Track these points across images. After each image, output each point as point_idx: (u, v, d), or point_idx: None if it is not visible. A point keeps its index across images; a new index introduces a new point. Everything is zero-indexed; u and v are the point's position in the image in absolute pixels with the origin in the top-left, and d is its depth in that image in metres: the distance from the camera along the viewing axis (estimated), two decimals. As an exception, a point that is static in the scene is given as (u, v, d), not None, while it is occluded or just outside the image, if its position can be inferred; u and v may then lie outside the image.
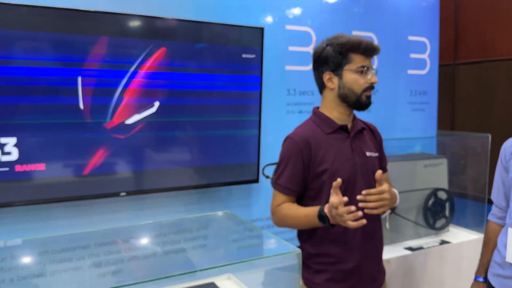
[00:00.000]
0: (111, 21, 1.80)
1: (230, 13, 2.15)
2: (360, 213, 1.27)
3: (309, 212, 1.43)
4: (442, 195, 2.45)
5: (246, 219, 1.87)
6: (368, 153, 1.57)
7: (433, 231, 2.45)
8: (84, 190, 1.81)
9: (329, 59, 1.49)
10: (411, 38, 2.79)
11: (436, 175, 2.47)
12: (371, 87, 1.51)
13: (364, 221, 1.27)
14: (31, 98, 1.68)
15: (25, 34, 1.64)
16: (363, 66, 1.48)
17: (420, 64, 2.84)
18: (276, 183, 1.51)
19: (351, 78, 1.49)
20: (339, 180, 1.29)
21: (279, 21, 2.32)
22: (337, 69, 1.49)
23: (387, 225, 2.25)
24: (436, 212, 2.43)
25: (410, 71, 2.80)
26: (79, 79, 1.76)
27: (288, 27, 2.35)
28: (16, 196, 1.68)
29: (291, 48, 2.35)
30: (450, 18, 7.71)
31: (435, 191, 2.42)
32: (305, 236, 1.55)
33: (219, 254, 1.66)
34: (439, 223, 2.44)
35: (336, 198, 1.28)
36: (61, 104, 1.73)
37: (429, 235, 2.44)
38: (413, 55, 2.81)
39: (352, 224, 1.27)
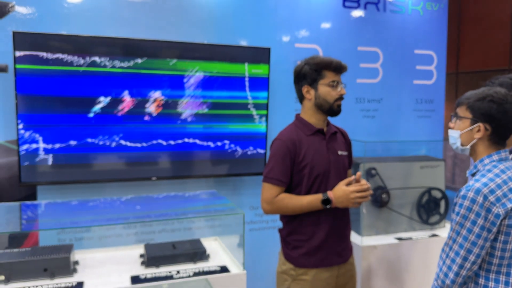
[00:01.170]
0: (152, 44, 2.31)
1: (247, 34, 2.59)
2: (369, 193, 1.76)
3: (312, 199, 1.79)
4: (437, 193, 2.71)
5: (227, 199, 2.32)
6: (339, 152, 1.94)
7: (428, 226, 2.72)
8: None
9: (307, 75, 1.88)
10: (417, 51, 3.06)
11: (433, 175, 2.74)
12: (340, 98, 1.87)
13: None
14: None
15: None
16: (334, 81, 1.85)
17: (427, 75, 3.11)
18: (269, 177, 1.86)
19: (325, 90, 1.86)
20: (359, 173, 1.75)
21: (290, 40, 2.73)
22: (313, 83, 1.87)
23: (364, 210, 2.58)
24: (429, 209, 2.70)
25: (416, 81, 3.07)
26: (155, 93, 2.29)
27: (298, 44, 2.75)
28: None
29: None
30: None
31: (429, 190, 2.69)
32: (286, 219, 1.94)
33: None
34: (433, 219, 2.71)
35: (353, 191, 1.73)
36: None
37: (423, 229, 2.71)
38: (419, 67, 3.08)
39: (356, 205, 1.77)
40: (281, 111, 2.70)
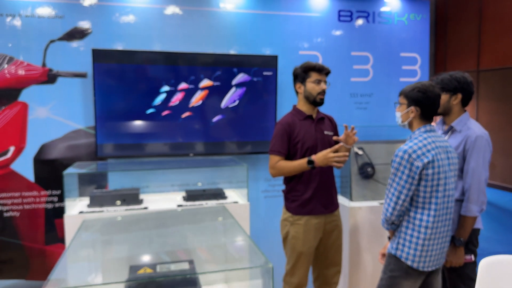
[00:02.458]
0: (184, 56, 3.11)
1: (260, 45, 3.35)
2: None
3: (301, 162, 2.52)
4: (415, 169, 3.37)
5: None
6: (325, 132, 2.67)
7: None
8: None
9: (299, 75, 2.62)
10: (403, 54, 3.73)
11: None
12: (322, 92, 2.60)
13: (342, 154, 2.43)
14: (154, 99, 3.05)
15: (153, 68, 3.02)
16: (317, 80, 2.59)
17: (412, 73, 3.76)
18: (272, 150, 2.63)
19: (310, 86, 2.60)
20: (339, 145, 2.43)
21: (294, 48, 3.47)
22: (303, 81, 2.61)
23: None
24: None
25: (402, 79, 3.74)
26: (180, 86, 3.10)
27: (302, 52, 3.49)
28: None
29: (304, 66, 3.47)
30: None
31: (408, 166, 3.35)
32: (286, 181, 2.69)
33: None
34: (411, 189, 3.37)
35: (330, 152, 2.41)
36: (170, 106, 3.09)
37: (404, 198, 3.37)
38: (405, 67, 3.74)
39: (336, 164, 2.44)
40: (288, 105, 3.44)
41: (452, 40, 10.73)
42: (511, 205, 7.75)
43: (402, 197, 2.14)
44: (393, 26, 3.70)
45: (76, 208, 2.61)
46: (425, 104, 2.19)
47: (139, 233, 2.12)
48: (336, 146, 2.46)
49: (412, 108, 2.22)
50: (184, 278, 1.78)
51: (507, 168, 8.95)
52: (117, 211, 2.48)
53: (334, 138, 2.56)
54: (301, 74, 2.61)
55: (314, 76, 2.59)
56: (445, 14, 10.84)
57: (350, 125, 2.55)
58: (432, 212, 2.15)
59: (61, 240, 3.06)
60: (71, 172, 2.75)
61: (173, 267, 1.85)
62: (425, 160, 2.10)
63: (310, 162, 2.48)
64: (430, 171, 2.10)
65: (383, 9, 3.66)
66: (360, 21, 3.61)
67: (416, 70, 3.79)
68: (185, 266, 1.87)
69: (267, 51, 3.37)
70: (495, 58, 9.42)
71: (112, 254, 1.91)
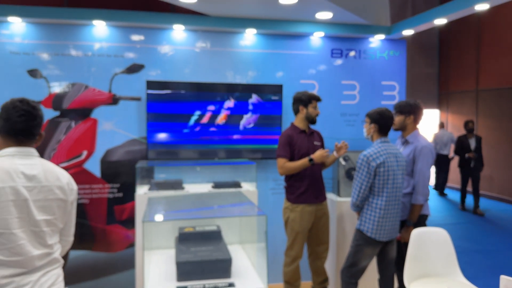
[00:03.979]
0: (213, 86, 4.15)
1: (269, 76, 4.36)
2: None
3: (303, 161, 3.52)
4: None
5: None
6: (315, 143, 3.67)
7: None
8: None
9: (303, 101, 3.62)
10: (384, 82, 4.69)
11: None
12: (317, 115, 3.60)
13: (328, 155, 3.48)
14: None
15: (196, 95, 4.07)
16: (315, 106, 3.59)
17: (391, 98, 4.71)
18: (279, 154, 3.62)
19: (311, 110, 3.61)
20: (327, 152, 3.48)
21: (296, 78, 4.47)
22: (306, 106, 3.61)
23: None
24: (384, 182, 4.28)
25: (383, 102, 4.69)
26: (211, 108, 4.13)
27: (302, 81, 4.48)
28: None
29: (304, 92, 4.46)
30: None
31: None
32: (287, 179, 3.67)
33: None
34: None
35: (324, 152, 3.43)
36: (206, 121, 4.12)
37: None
38: (385, 93, 4.70)
39: (328, 161, 3.52)
40: (289, 121, 4.43)
41: (454, 63, 11.64)
42: (507, 214, 8.47)
43: (363, 187, 3.10)
44: (376, 60, 4.67)
45: (142, 191, 3.64)
46: (381, 123, 3.16)
47: (185, 206, 3.12)
48: (326, 150, 3.51)
49: (372, 125, 3.19)
50: (213, 233, 2.77)
51: (504, 181, 9.72)
52: (168, 193, 3.53)
53: (326, 150, 3.55)
54: (306, 100, 3.61)
55: (314, 103, 3.61)
56: (447, 39, 11.78)
57: (341, 140, 3.58)
58: (384, 198, 3.10)
59: (118, 221, 4.09)
60: (142, 166, 3.91)
61: (206, 228, 2.84)
62: (378, 161, 3.06)
63: (311, 159, 3.48)
64: (381, 169, 3.06)
65: (367, 47, 4.64)
66: (348, 57, 4.60)
67: (394, 95, 4.74)
68: (214, 227, 2.86)
69: (275, 81, 4.39)
70: (492, 79, 10.33)
71: (154, 227, 2.91)
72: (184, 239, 2.73)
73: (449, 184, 11.24)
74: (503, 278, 2.26)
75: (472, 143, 8.20)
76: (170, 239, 2.97)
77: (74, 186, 1.99)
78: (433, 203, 9.37)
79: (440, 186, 10.41)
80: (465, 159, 8.26)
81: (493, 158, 9.92)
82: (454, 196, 10.18)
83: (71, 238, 2.06)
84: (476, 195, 8.29)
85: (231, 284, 2.34)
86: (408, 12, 11.35)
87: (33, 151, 1.88)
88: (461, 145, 8.30)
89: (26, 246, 1.78)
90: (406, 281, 2.88)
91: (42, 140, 1.99)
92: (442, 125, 10.55)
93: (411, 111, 3.49)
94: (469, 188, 8.91)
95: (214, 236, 2.79)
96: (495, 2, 3.42)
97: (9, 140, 1.85)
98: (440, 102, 12.11)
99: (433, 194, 10.34)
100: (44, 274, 1.84)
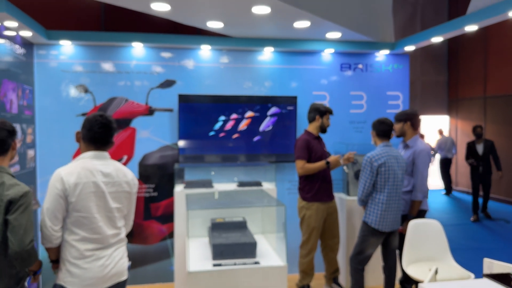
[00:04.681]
0: (236, 99, 4.71)
1: (285, 88, 4.91)
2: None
3: (321, 163, 4.06)
4: (395, 174, 4.78)
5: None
6: (324, 148, 4.19)
7: (390, 193, 4.79)
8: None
9: (322, 111, 4.16)
10: (389, 93, 5.19)
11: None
12: (328, 126, 4.14)
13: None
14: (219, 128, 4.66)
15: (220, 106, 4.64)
16: (328, 118, 4.13)
17: (395, 107, 5.21)
18: (300, 156, 4.13)
19: (325, 121, 4.15)
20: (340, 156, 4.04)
21: (309, 90, 5.00)
22: (322, 116, 4.15)
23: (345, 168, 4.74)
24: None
25: (388, 111, 5.18)
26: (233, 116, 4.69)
27: (315, 92, 5.01)
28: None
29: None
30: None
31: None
32: (301, 180, 4.20)
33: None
34: (392, 189, 4.78)
35: (339, 157, 3.99)
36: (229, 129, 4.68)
37: (387, 195, 4.78)
38: (390, 102, 5.20)
39: (342, 163, 4.04)
40: (302, 129, 4.96)
41: (462, 71, 12.06)
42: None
43: (367, 184, 3.61)
44: (381, 73, 5.18)
45: (178, 189, 4.21)
46: (379, 129, 3.68)
47: (215, 201, 3.67)
48: (338, 155, 4.03)
49: (374, 132, 3.71)
50: (239, 223, 3.31)
51: (511, 184, 10.05)
52: (202, 190, 4.09)
53: (338, 156, 4.07)
54: (323, 111, 4.15)
55: (327, 115, 4.14)
56: (455, 48, 12.21)
57: (350, 152, 4.10)
58: (385, 194, 3.59)
59: (154, 217, 4.66)
60: (179, 167, 4.51)
61: (234, 219, 3.38)
62: (380, 162, 3.57)
63: (327, 163, 4.00)
64: (383, 169, 3.57)
65: (373, 61, 5.16)
66: (356, 70, 5.12)
67: (399, 104, 5.23)
68: (240, 219, 3.40)
69: (290, 93, 4.93)
70: (499, 86, 10.71)
71: (202, 210, 3.47)
72: (216, 228, 3.28)
73: (461, 188, 11.63)
74: (486, 261, 2.74)
75: (480, 148, 8.10)
76: (202, 230, 3.52)
77: (136, 181, 2.55)
78: (442, 205, 9.78)
79: (447, 186, 11.03)
80: (473, 165, 8.19)
81: (501, 162, 10.27)
82: (465, 197, 10.56)
83: (131, 223, 2.62)
84: (486, 199, 8.37)
85: (256, 262, 2.87)
86: (418, 21, 11.81)
87: (106, 154, 2.45)
88: (469, 150, 8.24)
89: (103, 227, 2.34)
90: (404, 264, 3.37)
91: (113, 146, 2.56)
92: (441, 132, 11.11)
93: (407, 118, 3.99)
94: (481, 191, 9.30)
95: (241, 226, 3.33)
96: (482, 24, 3.91)
97: (90, 146, 2.42)
98: (450, 108, 12.49)
99: (443, 199, 10.75)
100: (115, 250, 2.40)
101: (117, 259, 2.39)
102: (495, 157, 8.09)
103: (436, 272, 3.00)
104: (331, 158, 4.01)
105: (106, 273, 2.32)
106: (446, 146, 10.69)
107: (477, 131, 8.13)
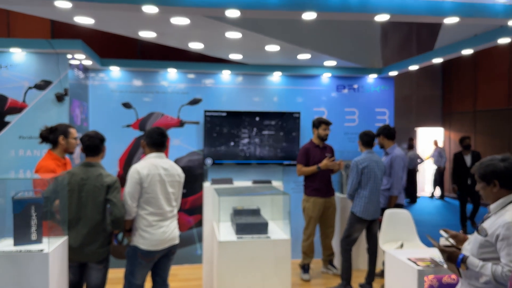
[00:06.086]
0: (249, 114, 5.78)
1: (291, 105, 5.97)
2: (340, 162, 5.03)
3: (312, 168, 5.13)
4: (380, 177, 5.81)
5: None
6: (326, 154, 5.25)
7: (377, 192, 5.82)
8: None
9: (315, 124, 5.23)
10: (377, 109, 6.23)
11: (379, 169, 5.86)
12: (326, 135, 5.20)
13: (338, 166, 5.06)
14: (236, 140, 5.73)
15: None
16: (325, 128, 5.19)
17: (382, 121, 6.25)
18: (299, 161, 5.22)
19: (321, 131, 5.21)
20: (336, 162, 5.09)
21: (310, 107, 6.06)
22: (317, 128, 5.21)
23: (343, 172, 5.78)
24: (376, 184, 5.80)
25: (376, 124, 6.22)
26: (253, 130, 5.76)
27: (315, 108, 6.07)
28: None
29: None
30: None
31: (376, 175, 5.81)
32: (305, 178, 5.25)
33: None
34: (378, 189, 5.81)
35: (329, 162, 5.04)
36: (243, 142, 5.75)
37: (374, 194, 5.80)
38: (378, 117, 6.24)
39: (335, 168, 5.09)
40: (305, 139, 6.01)
41: (455, 86, 13.11)
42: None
43: (354, 182, 4.65)
44: (371, 93, 6.24)
45: (206, 184, 5.25)
46: (363, 139, 4.72)
47: (235, 193, 4.73)
48: (331, 160, 5.07)
49: (360, 141, 4.76)
50: (255, 211, 4.36)
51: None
52: (225, 186, 5.14)
53: (331, 159, 5.11)
54: (316, 124, 5.21)
55: (323, 126, 5.19)
56: (449, 65, 13.25)
57: (340, 160, 5.11)
58: (368, 190, 4.63)
59: (182, 210, 5.72)
60: (208, 167, 5.52)
61: (250, 207, 4.43)
62: (363, 165, 4.61)
63: (318, 167, 5.05)
64: (366, 170, 4.61)
65: (364, 83, 6.22)
66: (350, 90, 6.18)
67: (385, 119, 6.27)
68: (255, 207, 4.45)
69: (294, 109, 6.00)
70: (487, 101, 11.69)
71: (226, 200, 4.52)
72: (237, 213, 4.34)
73: (454, 195, 12.61)
74: (443, 233, 3.76)
75: (468, 159, 7.79)
76: (225, 216, 4.57)
77: (183, 174, 3.60)
78: (435, 209, 10.75)
79: (441, 193, 12.08)
80: (460, 176, 7.87)
81: (489, 171, 11.27)
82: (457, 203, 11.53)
83: (180, 203, 3.67)
84: (476, 211, 8.22)
85: (268, 237, 3.91)
86: (414, 40, 12.86)
87: (163, 155, 3.52)
88: (457, 162, 7.92)
89: (164, 205, 3.40)
90: (380, 243, 4.39)
91: (166, 149, 3.63)
92: (436, 143, 12.20)
93: (380, 133, 5.05)
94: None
95: (256, 212, 4.38)
96: (448, 57, 4.97)
97: (153, 149, 3.49)
98: (444, 121, 13.49)
99: (437, 203, 11.73)
100: (171, 221, 3.46)
101: (172, 228, 3.45)
102: None
103: (401, 246, 4.02)
104: (322, 164, 5.04)
105: (165, 237, 3.37)
106: (439, 156, 11.75)
107: (465, 142, 7.85)
